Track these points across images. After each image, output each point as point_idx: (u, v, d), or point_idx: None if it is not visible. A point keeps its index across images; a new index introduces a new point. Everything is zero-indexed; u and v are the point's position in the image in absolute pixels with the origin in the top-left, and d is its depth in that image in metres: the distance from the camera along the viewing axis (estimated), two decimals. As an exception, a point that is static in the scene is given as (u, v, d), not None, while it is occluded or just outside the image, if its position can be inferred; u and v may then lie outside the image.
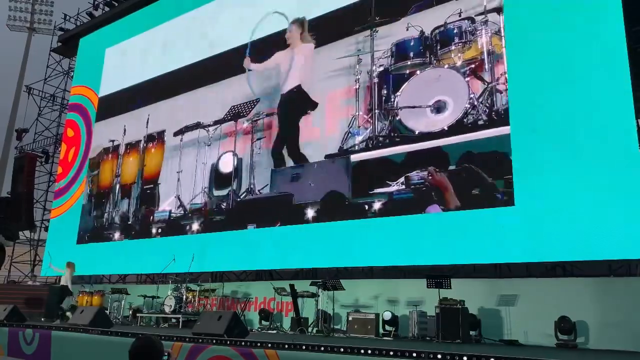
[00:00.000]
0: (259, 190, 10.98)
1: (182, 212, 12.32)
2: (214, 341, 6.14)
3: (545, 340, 7.04)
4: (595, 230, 6.93)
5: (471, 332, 7.40)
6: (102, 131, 15.59)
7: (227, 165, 11.83)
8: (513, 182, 7.75)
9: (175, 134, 13.24)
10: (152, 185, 13.37)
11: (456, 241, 8.09)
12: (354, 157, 9.61)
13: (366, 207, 9.15)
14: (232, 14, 12.95)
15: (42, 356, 8.12)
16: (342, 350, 5.13)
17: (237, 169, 11.54)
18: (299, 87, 11.06)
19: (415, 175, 8.75)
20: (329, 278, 9.19)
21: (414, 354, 4.70)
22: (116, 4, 17.31)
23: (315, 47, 10.87)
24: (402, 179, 8.87)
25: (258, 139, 11.38)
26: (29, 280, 17.13)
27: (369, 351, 4.97)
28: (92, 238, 14.47)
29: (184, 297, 10.44)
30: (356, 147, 9.67)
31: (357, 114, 9.81)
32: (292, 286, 9.25)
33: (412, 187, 8.74)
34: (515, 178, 7.76)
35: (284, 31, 11.61)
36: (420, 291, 8.03)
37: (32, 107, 19.43)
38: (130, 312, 11.56)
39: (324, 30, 10.82)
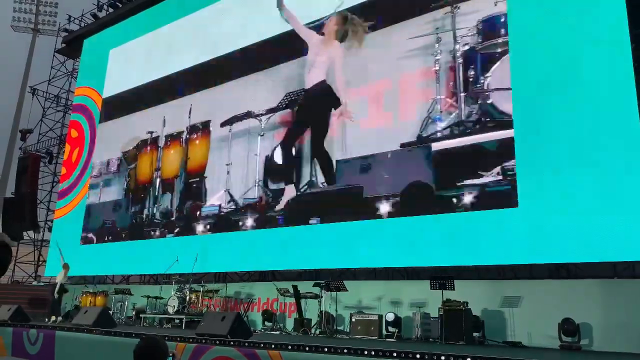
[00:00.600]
0: (322, 183, 10.11)
1: (234, 207, 11.41)
2: (218, 342, 6.14)
3: (549, 342, 7.02)
4: (599, 232, 6.91)
5: (475, 334, 7.38)
6: (136, 122, 14.70)
7: (284, 156, 10.94)
8: (517, 183, 7.73)
9: (223, 124, 12.27)
10: (197, 179, 12.47)
11: (460, 242, 8.08)
12: (436, 146, 8.67)
13: (454, 200, 8.28)
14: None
15: (46, 356, 8.14)
16: (345, 351, 5.13)
17: (296, 160, 10.64)
18: (322, 82, 10.72)
19: (513, 164, 7.82)
20: (332, 279, 9.19)
21: (418, 356, 4.69)
22: (120, 5, 17.37)
23: (381, 28, 9.90)
24: (497, 169, 7.94)
25: None
26: (32, 281, 17.19)
27: (372, 352, 4.97)
28: (131, 236, 13.52)
29: (188, 297, 10.45)
30: (439, 135, 8.72)
31: (438, 97, 8.82)
32: (295, 287, 9.24)
33: (510, 178, 7.81)
34: (518, 179, 7.74)
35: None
36: (424, 292, 8.02)
37: (36, 108, 19.54)
38: (134, 313, 11.58)
39: (392, 9, 9.90)
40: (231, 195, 11.56)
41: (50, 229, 17.20)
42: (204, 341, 6.28)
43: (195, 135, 12.96)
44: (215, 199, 11.87)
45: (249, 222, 11.00)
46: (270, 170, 11.03)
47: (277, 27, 11.79)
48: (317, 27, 11.09)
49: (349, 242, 9.32)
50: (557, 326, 6.94)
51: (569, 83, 7.65)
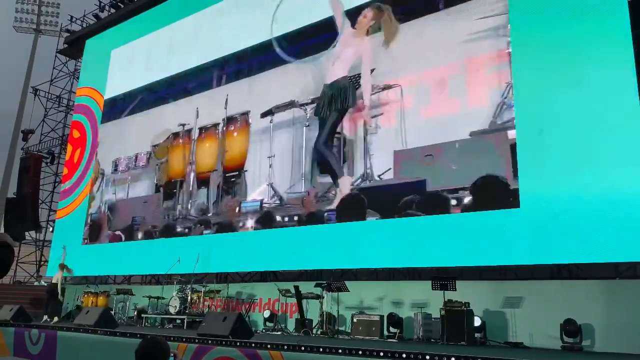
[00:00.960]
0: (378, 176, 9.38)
1: (278, 202, 10.71)
2: (219, 342, 6.15)
3: (551, 342, 7.01)
4: (601, 232, 6.90)
5: (476, 335, 7.38)
6: (166, 114, 13.97)
7: (334, 147, 10.25)
8: (518, 184, 7.73)
9: (263, 115, 11.50)
10: (236, 173, 11.73)
11: (461, 243, 8.07)
12: (513, 133, 7.99)
13: None
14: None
15: (48, 356, 8.16)
16: (346, 352, 5.14)
17: (347, 152, 9.98)
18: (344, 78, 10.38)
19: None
20: (334, 279, 9.19)
21: (419, 356, 4.69)
22: (122, 6, 17.40)
23: (443, 9, 9.22)
24: None
25: (374, 117, 9.66)
26: (34, 281, 17.22)
27: (374, 353, 4.97)
28: (163, 233, 12.78)
29: (189, 298, 10.46)
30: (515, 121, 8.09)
31: (513, 81, 8.23)
32: (296, 287, 9.25)
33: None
34: (520, 179, 7.73)
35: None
36: (425, 293, 8.01)
37: (38, 109, 19.60)
38: (135, 313, 11.59)
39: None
40: (275, 190, 10.86)
41: (52, 229, 17.23)
42: (205, 341, 6.29)
43: (232, 127, 12.19)
44: (256, 194, 11.18)
45: (295, 217, 10.29)
46: (319, 162, 10.33)
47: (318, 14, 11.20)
48: (351, 17, 10.51)
49: (351, 241, 9.31)
50: (559, 327, 6.93)
51: (572, 83, 7.63)
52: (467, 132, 8.44)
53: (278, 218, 10.55)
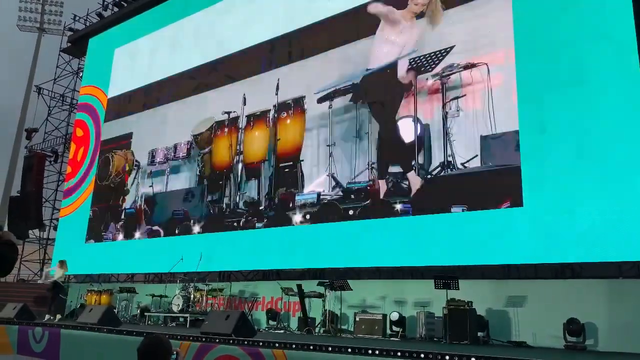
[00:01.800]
0: (462, 164, 8.48)
1: (341, 193, 9.83)
2: (222, 340, 6.16)
3: (554, 342, 7.00)
4: (604, 232, 6.88)
5: (479, 334, 7.37)
6: (205, 102, 13.12)
7: (405, 133, 9.20)
8: (522, 183, 7.71)
9: (321, 100, 10.57)
10: (291, 163, 10.87)
11: (464, 242, 8.06)
12: None
13: None
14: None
15: (51, 354, 8.19)
16: (349, 350, 5.14)
17: (423, 138, 8.99)
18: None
19: None
20: (336, 278, 9.19)
21: (422, 355, 4.69)
22: (125, 4, 17.42)
23: None
24: None
25: (454, 99, 8.75)
26: (38, 279, 17.27)
27: (377, 352, 4.97)
28: (207, 227, 11.98)
29: (192, 296, 10.47)
30: None
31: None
32: (299, 286, 9.25)
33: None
34: (523, 178, 7.71)
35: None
36: (428, 292, 8.01)
37: (41, 107, 19.64)
38: (139, 311, 11.62)
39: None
40: (336, 180, 9.95)
41: (55, 228, 17.29)
42: (208, 340, 6.30)
43: (285, 114, 11.25)
44: (315, 185, 10.28)
45: (359, 209, 9.44)
46: (388, 150, 9.45)
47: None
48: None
49: (354, 240, 9.31)
50: (562, 326, 6.92)
51: (575, 81, 7.61)
52: None
53: (342, 210, 9.69)
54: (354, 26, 10.56)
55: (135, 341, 6.83)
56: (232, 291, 10.93)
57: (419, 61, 9.37)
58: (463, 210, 8.21)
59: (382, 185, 9.28)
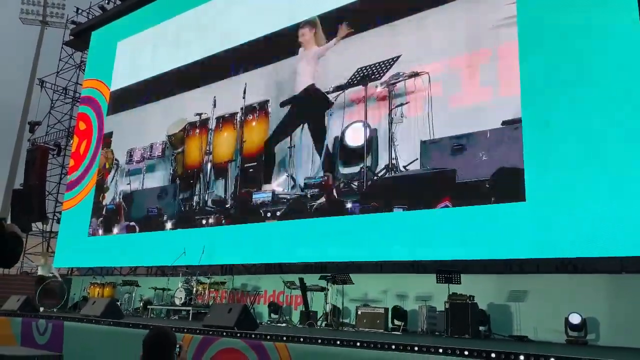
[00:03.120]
0: (404, 167, 9.12)
1: (300, 192, 10.42)
2: (224, 333, 6.19)
3: (555, 336, 7.01)
4: (607, 227, 6.88)
5: (480, 328, 7.39)
6: (182, 103, 13.70)
7: (356, 137, 9.85)
8: (524, 177, 7.70)
9: (283, 104, 11.27)
10: (255, 164, 11.47)
11: (466, 237, 8.07)
12: None
13: None
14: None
15: (55, 346, 8.23)
16: (351, 343, 5.16)
17: (371, 142, 9.62)
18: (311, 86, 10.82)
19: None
20: (338, 272, 9.21)
21: (424, 349, 4.70)
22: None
23: None
24: None
25: (399, 105, 9.38)
26: (50, 275, 17.34)
27: (378, 345, 4.99)
28: (179, 224, 12.55)
29: (194, 289, 10.51)
30: None
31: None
32: (301, 280, 9.28)
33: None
34: (526, 172, 7.71)
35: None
36: (430, 286, 8.04)
37: (44, 100, 19.64)
38: (141, 304, 11.68)
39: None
40: (294, 180, 10.63)
41: (58, 221, 17.35)
42: (210, 333, 6.33)
43: (251, 117, 11.93)
44: (276, 185, 10.93)
45: (314, 209, 10.08)
46: (341, 153, 10.06)
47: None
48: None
49: (356, 234, 9.32)
50: (564, 321, 6.93)
51: (579, 76, 7.59)
52: (500, 121, 8.20)
53: (302, 207, 10.28)
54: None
55: (138, 333, 6.88)
56: (234, 284, 10.97)
57: (369, 69, 9.98)
58: (403, 210, 8.89)
59: (330, 180, 10.02)
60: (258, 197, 11.09)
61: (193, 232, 12.08)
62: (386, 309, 8.30)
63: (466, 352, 4.47)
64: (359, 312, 8.48)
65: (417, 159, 8.94)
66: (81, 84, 18.69)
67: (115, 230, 14.21)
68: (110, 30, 17.34)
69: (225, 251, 11.34)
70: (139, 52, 15.79)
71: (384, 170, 9.34)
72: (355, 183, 9.64)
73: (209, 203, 12.16)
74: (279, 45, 11.79)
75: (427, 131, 8.91)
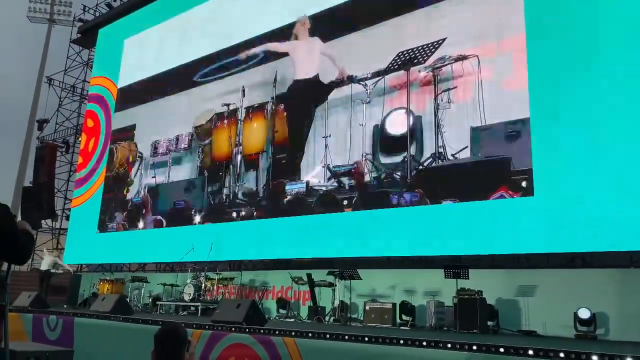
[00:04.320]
0: (452, 155, 8.64)
1: (336, 184, 10.05)
2: (233, 329, 6.22)
3: (564, 331, 6.99)
4: (615, 221, 6.83)
5: (489, 323, 7.38)
6: (206, 94, 13.33)
7: (398, 125, 9.33)
8: (532, 171, 7.66)
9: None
10: (286, 155, 11.13)
11: (474, 231, 8.04)
12: None
13: None
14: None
15: (65, 342, 8.30)
16: (359, 339, 5.17)
17: (415, 130, 9.13)
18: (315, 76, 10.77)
19: None
20: (346, 267, 9.22)
21: (432, 344, 4.70)
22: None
23: None
24: None
25: (445, 90, 8.87)
26: (51, 268, 17.46)
27: (387, 340, 4.99)
28: (208, 217, 12.24)
29: (203, 285, 10.56)
30: None
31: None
32: (309, 275, 9.30)
33: None
34: (534, 167, 7.67)
35: None
36: (438, 281, 8.02)
37: (52, 98, 19.76)
38: (150, 300, 11.75)
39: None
40: (331, 171, 10.17)
41: (67, 218, 17.47)
42: (219, 328, 6.36)
43: (282, 106, 11.52)
44: (311, 177, 10.52)
45: (346, 201, 9.71)
46: (382, 141, 9.59)
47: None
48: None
49: (364, 230, 9.32)
50: (573, 315, 6.91)
51: (588, 69, 7.52)
52: None
53: (345, 202, 9.83)
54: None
55: (147, 329, 6.92)
56: (242, 280, 11.01)
57: (411, 53, 9.43)
58: (453, 202, 8.36)
59: (369, 176, 9.55)
60: (291, 188, 10.74)
61: (200, 228, 12.11)
62: (394, 304, 8.31)
63: (475, 347, 4.46)
64: (367, 308, 8.49)
65: (467, 146, 8.43)
66: (89, 82, 18.77)
67: (141, 224, 13.92)
68: (117, 27, 17.41)
69: (234, 247, 11.37)
70: (145, 50, 15.82)
71: (431, 159, 8.84)
72: (399, 173, 9.14)
73: (240, 195, 11.82)
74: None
75: (478, 117, 8.38)
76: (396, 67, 9.61)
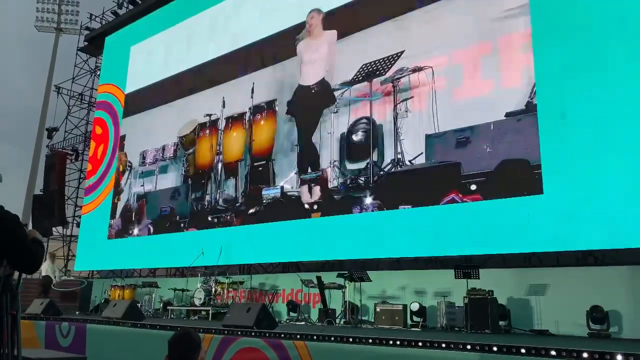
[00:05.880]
0: (409, 161, 9.23)
1: (307, 190, 10.61)
2: (244, 333, 6.23)
3: (577, 330, 6.93)
4: (627, 218, 6.76)
5: (500, 323, 7.33)
6: (191, 105, 13.97)
7: (362, 133, 10.03)
8: (542, 169, 7.61)
9: (290, 103, 11.51)
10: (264, 162, 11.69)
11: (484, 231, 8.00)
12: None
13: None
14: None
15: (78, 348, 8.36)
16: (370, 341, 5.15)
17: (377, 137, 9.74)
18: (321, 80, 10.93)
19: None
20: (356, 269, 9.20)
21: (443, 345, 4.68)
22: (139, 1, 17.54)
23: None
24: None
25: (403, 100, 9.46)
26: (63, 275, 17.59)
27: (398, 342, 4.98)
28: (192, 223, 12.81)
29: (213, 289, 10.59)
30: None
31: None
32: (319, 278, 9.29)
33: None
34: (543, 165, 7.62)
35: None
36: (448, 282, 7.98)
37: (61, 106, 19.91)
38: (161, 305, 11.80)
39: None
40: (301, 178, 10.83)
41: (78, 225, 17.58)
42: (230, 332, 6.37)
43: (259, 116, 12.15)
44: (285, 183, 11.10)
45: (310, 206, 10.36)
46: (348, 149, 10.19)
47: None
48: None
49: (373, 232, 9.30)
50: (585, 314, 6.85)
51: (596, 63, 7.44)
52: (503, 112, 8.20)
53: (306, 206, 10.44)
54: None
55: (159, 334, 6.95)
56: (252, 284, 11.02)
57: (373, 65, 10.07)
58: (411, 207, 8.92)
59: (333, 176, 10.22)
60: (268, 193, 11.32)
61: (210, 232, 12.16)
62: (405, 306, 8.28)
63: (495, 348, 4.43)
64: (378, 309, 8.46)
65: (422, 152, 9.01)
66: (96, 89, 18.90)
67: (136, 231, 14.40)
68: (123, 35, 17.53)
69: (240, 250, 11.40)
70: (152, 56, 15.93)
71: (390, 165, 9.43)
72: (362, 179, 9.72)
73: (221, 202, 12.38)
74: (288, 44, 11.88)
75: (432, 125, 8.98)
76: (360, 78, 10.25)
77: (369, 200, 9.52)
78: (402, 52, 9.67)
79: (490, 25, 8.65)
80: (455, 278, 7.59)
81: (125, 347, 7.57)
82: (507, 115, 8.15)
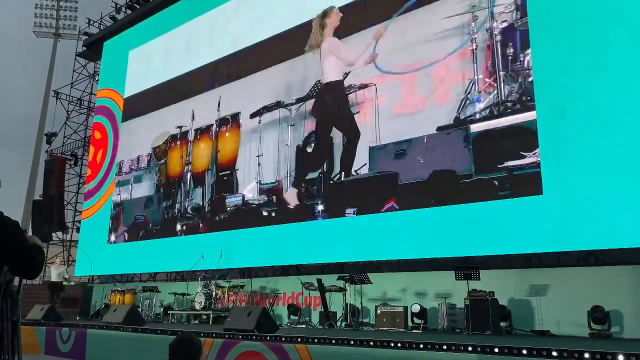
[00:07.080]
0: (355, 171, 9.91)
1: (266, 199, 11.37)
2: (245, 336, 6.22)
3: (578, 330, 6.92)
4: (627, 218, 6.76)
5: (502, 324, 7.32)
6: (165, 117, 14.71)
7: (314, 145, 10.80)
8: (541, 170, 7.61)
9: (253, 116, 12.17)
10: (228, 172, 12.41)
11: (485, 232, 8.00)
12: (475, 127, 8.46)
13: (496, 183, 8.03)
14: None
15: (78, 354, 8.35)
16: (371, 344, 5.15)
17: (328, 148, 10.50)
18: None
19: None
20: (356, 272, 9.19)
21: (445, 347, 4.68)
22: (137, 7, 17.56)
23: (415, 9, 9.67)
24: (538, 150, 7.68)
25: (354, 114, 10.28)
26: (63, 281, 17.56)
27: (399, 344, 4.97)
28: (163, 231, 13.58)
29: (214, 293, 10.57)
30: (477, 116, 8.46)
31: (476, 77, 8.58)
32: (319, 281, 9.28)
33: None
34: (542, 166, 7.62)
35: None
36: (449, 283, 7.97)
37: (60, 111, 19.92)
38: (162, 310, 11.77)
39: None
40: (260, 188, 11.56)
41: (78, 230, 17.56)
42: (231, 336, 6.37)
43: (224, 128, 12.92)
44: (246, 191, 11.83)
45: (271, 213, 11.10)
46: (302, 160, 10.89)
47: (296, 19, 11.77)
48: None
49: (372, 234, 9.30)
50: (586, 314, 6.84)
51: (595, 64, 7.46)
52: (433, 127, 8.91)
53: (265, 213, 11.23)
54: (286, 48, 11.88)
55: (159, 339, 6.94)
56: (253, 287, 11.01)
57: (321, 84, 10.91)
58: (354, 214, 9.64)
59: (290, 187, 10.96)
60: (231, 201, 12.07)
61: (211, 236, 12.18)
62: (405, 308, 8.27)
63: (488, 349, 4.43)
64: (379, 312, 8.45)
65: (365, 163, 9.72)
66: (95, 94, 18.91)
67: (112, 238, 15.21)
68: (122, 40, 17.55)
69: (243, 254, 11.40)
70: (149, 61, 15.96)
71: (338, 175, 10.19)
72: (315, 187, 10.47)
73: (189, 210, 13.14)
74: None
75: (374, 138, 9.69)
76: (314, 94, 11.00)
77: (319, 207, 10.27)
78: (348, 72, 10.48)
79: (426, 46, 9.31)
80: (456, 279, 7.58)
81: (126, 352, 7.56)
82: (439, 129, 8.84)
